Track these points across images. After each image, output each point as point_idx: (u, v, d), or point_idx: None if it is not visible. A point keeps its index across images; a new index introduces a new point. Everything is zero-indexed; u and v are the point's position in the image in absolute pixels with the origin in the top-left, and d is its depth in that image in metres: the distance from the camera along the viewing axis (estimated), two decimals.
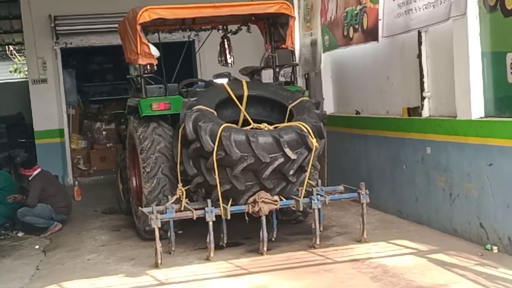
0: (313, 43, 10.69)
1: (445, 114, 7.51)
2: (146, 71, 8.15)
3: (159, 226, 6.86)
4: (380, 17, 8.44)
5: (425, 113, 7.91)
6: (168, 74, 8.58)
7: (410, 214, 8.23)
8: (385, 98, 9.01)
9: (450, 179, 7.28)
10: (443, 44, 7.38)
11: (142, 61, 7.83)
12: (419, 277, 6.08)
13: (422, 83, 7.90)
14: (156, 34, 9.24)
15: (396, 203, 8.56)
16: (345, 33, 9.47)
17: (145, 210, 7.22)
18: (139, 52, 7.75)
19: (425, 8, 7.36)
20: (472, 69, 6.74)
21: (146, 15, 7.64)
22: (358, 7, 9.05)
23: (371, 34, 8.76)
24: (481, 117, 6.76)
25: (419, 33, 7.80)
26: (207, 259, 7.07)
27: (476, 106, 6.78)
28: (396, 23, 8.00)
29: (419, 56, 7.89)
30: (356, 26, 9.14)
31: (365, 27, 8.92)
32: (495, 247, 6.57)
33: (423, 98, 7.91)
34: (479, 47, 6.72)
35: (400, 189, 8.44)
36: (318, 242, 7.26)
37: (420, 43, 7.85)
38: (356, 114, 9.81)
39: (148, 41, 7.94)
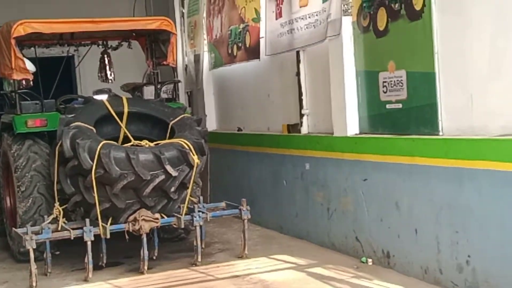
0: (196, 60, 10.73)
1: (323, 131, 7.72)
2: (21, 87, 7.88)
3: (34, 247, 6.61)
4: (262, 35, 8.62)
5: (304, 130, 8.10)
6: (46, 90, 8.32)
7: (290, 229, 8.38)
8: (266, 115, 9.16)
9: (328, 194, 7.48)
10: (321, 63, 7.60)
11: (16, 76, 7.54)
12: None
13: (300, 100, 8.09)
14: (32, 48, 8.94)
15: (277, 219, 8.69)
16: (230, 51, 9.60)
17: (19, 230, 6.93)
18: (13, 67, 7.45)
19: (306, 28, 7.57)
20: (347, 88, 6.98)
21: (21, 29, 7.37)
22: (241, 26, 9.20)
23: (253, 52, 8.93)
24: (356, 134, 7.00)
25: (297, 52, 8.00)
26: (85, 280, 6.87)
27: (351, 123, 7.01)
28: (279, 42, 8.18)
29: (298, 74, 8.09)
30: (240, 44, 9.29)
31: (247, 45, 9.08)
32: (370, 260, 6.79)
33: (302, 115, 8.10)
34: (353, 67, 6.97)
35: (281, 205, 8.58)
36: (199, 259, 7.23)
37: (298, 61, 8.05)
38: (238, 130, 9.91)
39: (24, 56, 7.68)
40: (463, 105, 5.67)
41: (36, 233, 6.75)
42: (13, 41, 7.39)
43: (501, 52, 5.31)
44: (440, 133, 5.92)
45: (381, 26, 6.55)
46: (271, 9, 8.39)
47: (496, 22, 5.33)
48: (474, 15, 5.53)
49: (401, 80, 6.34)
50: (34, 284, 6.67)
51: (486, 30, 5.43)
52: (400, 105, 6.39)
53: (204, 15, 10.45)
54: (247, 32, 9.11)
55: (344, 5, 6.91)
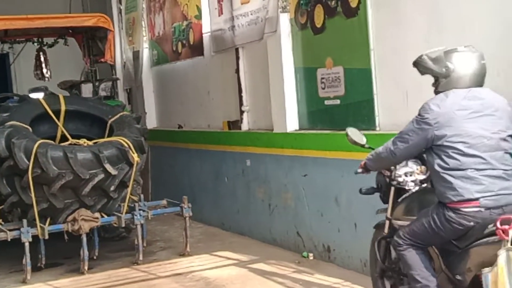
0: (136, 57, 10.62)
1: (263, 127, 7.77)
2: None
3: None
4: (205, 31, 8.62)
5: (245, 126, 8.13)
6: None
7: (232, 226, 8.40)
8: (206, 112, 9.15)
9: (269, 190, 7.53)
10: (260, 60, 7.64)
11: None
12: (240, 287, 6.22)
13: (240, 97, 8.12)
14: None
15: (219, 216, 8.70)
16: (174, 48, 9.57)
17: None
18: None
19: (248, 25, 7.60)
20: (286, 84, 7.03)
21: None
22: (185, 23, 9.18)
23: (197, 49, 8.94)
24: (296, 130, 7.06)
25: (236, 49, 8.02)
26: (24, 281, 6.75)
27: (290, 119, 7.07)
28: (223, 38, 8.19)
29: (237, 71, 8.10)
30: (184, 42, 9.26)
31: (191, 42, 9.08)
32: (311, 254, 6.87)
33: (242, 112, 8.13)
34: (292, 63, 7.02)
35: (223, 202, 8.59)
36: (141, 258, 7.18)
37: (238, 58, 8.07)
38: (179, 128, 9.87)
39: None
40: (399, 101, 5.78)
41: None
42: None
43: (435, 48, 5.44)
44: (377, 128, 6.03)
45: (318, 23, 6.62)
46: (213, 5, 8.39)
47: (430, 18, 5.46)
48: (409, 12, 5.65)
49: (339, 76, 6.43)
50: None
51: (420, 26, 5.55)
52: (338, 101, 6.48)
53: (143, 11, 10.36)
54: (191, 29, 9.09)
55: (282, 2, 6.95)
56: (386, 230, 4.61)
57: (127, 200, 7.21)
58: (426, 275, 4.09)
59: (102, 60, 8.28)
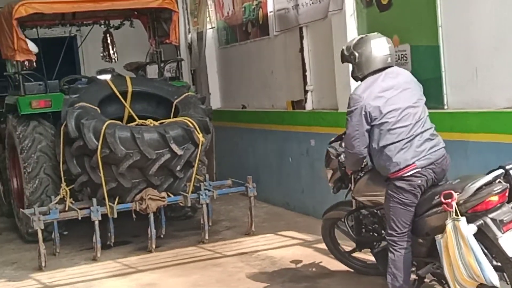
0: (199, 38, 10.68)
1: (328, 106, 7.70)
2: (24, 68, 7.86)
3: (42, 227, 6.65)
4: (270, 10, 8.58)
5: (309, 106, 8.09)
6: (49, 71, 8.30)
7: (296, 205, 8.40)
8: (269, 92, 9.14)
9: None
10: (324, 38, 7.56)
11: (19, 57, 7.55)
12: (305, 267, 6.23)
13: (304, 76, 8.06)
14: (34, 29, 8.91)
15: (283, 195, 8.71)
16: (244, 28, 9.56)
17: (27, 211, 6.97)
18: (16, 48, 7.45)
19: (312, 3, 7.53)
20: None
21: (22, 10, 7.36)
22: (255, 2, 9.15)
23: (265, 29, 8.90)
24: None
25: (300, 28, 7.96)
26: (94, 259, 6.93)
27: None
28: (287, 18, 8.14)
29: (301, 50, 8.05)
30: (254, 21, 9.24)
31: (260, 22, 9.04)
32: None
33: (306, 92, 8.08)
34: None
35: (287, 182, 8.59)
36: (207, 237, 7.27)
37: (302, 37, 8.01)
38: (242, 108, 9.89)
39: (26, 37, 7.66)
40: (468, 79, 5.65)
41: (44, 214, 6.79)
42: (15, 22, 7.38)
43: (505, 24, 5.28)
44: (445, 107, 5.90)
45: (384, 0, 6.50)
46: None
47: None
48: None
49: (405, 54, 6.31)
50: (43, 264, 6.72)
51: (490, 1, 5.38)
52: None
53: None
54: (260, 9, 9.05)
55: None
56: (354, 206, 5.39)
57: (192, 180, 7.29)
58: (406, 279, 4.74)
59: (167, 41, 8.34)
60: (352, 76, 4.90)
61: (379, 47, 4.72)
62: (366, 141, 4.72)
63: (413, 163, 4.58)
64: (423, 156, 4.60)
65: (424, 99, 4.81)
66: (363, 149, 4.76)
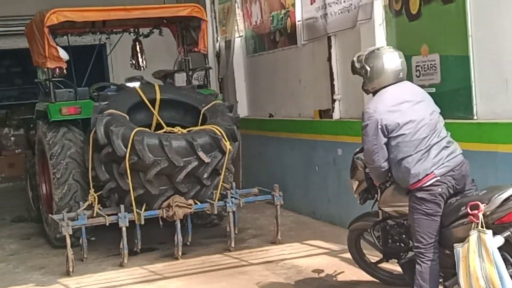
0: (227, 47, 10.73)
1: (355, 116, 7.67)
2: (55, 75, 7.96)
3: (70, 233, 6.71)
4: (298, 19, 8.60)
5: (336, 115, 8.07)
6: (79, 78, 8.41)
7: (323, 214, 8.38)
8: (297, 101, 9.14)
9: None
10: (352, 48, 7.54)
11: (50, 64, 7.64)
12: (331, 277, 6.20)
13: (332, 86, 8.06)
14: (65, 37, 9.03)
15: (309, 204, 8.69)
16: (272, 37, 9.59)
17: (56, 217, 7.05)
18: (47, 56, 7.55)
19: (341, 12, 7.54)
20: None
21: (54, 18, 7.46)
22: (283, 11, 9.18)
23: (293, 38, 8.92)
24: None
25: (329, 37, 7.96)
26: (121, 265, 6.98)
27: None
28: (315, 27, 8.15)
29: (329, 59, 8.04)
30: (282, 30, 9.28)
31: (288, 31, 9.06)
32: None
33: (333, 101, 8.07)
34: None
35: (313, 191, 8.57)
36: (233, 245, 7.28)
37: (330, 46, 8.01)
38: (270, 117, 9.90)
39: (57, 44, 7.77)
40: (498, 89, 5.60)
41: (72, 219, 6.86)
42: (46, 30, 7.49)
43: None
44: (475, 117, 5.86)
45: (413, 9, 6.49)
46: None
47: None
48: None
49: (435, 64, 6.28)
50: (70, 269, 6.78)
51: None
52: (433, 89, 6.32)
53: (238, 1, 10.43)
54: (288, 18, 9.09)
55: None
56: (380, 217, 5.38)
57: (219, 188, 7.31)
58: None
59: (196, 49, 8.39)
60: (362, 88, 4.91)
61: (392, 61, 4.75)
62: (385, 154, 4.74)
63: (432, 172, 4.61)
64: (441, 164, 4.63)
65: (439, 110, 4.85)
66: (383, 162, 4.77)
